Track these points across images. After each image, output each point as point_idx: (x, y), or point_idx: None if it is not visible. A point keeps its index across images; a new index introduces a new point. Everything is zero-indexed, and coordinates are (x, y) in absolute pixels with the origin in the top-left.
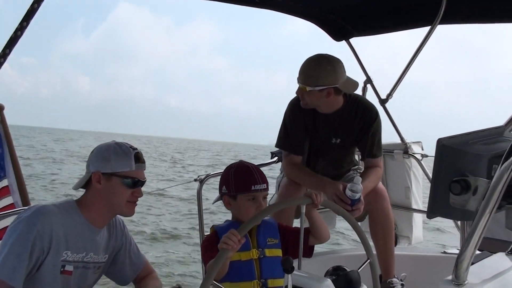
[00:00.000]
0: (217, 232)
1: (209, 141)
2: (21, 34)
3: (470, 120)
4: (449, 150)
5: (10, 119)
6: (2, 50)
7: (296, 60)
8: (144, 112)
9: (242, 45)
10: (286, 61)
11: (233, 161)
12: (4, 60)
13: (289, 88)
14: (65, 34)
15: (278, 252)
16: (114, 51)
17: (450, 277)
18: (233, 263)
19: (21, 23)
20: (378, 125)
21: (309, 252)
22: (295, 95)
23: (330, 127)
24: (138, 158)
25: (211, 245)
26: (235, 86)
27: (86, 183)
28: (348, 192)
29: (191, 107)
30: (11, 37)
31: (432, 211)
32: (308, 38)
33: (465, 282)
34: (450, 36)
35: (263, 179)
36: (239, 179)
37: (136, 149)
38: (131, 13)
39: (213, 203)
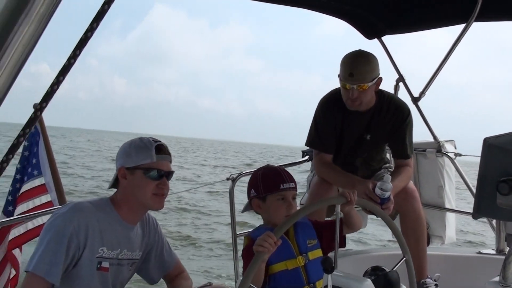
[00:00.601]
0: (254, 241)
1: (243, 143)
2: (91, 35)
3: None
4: (496, 149)
5: (52, 120)
6: (73, 51)
7: (329, 61)
8: (179, 114)
9: (276, 47)
10: (319, 62)
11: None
12: (74, 61)
13: (323, 89)
14: (103, 36)
15: (319, 253)
16: (150, 53)
17: (497, 278)
18: (281, 273)
19: (91, 24)
20: (410, 123)
21: (343, 242)
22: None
23: (362, 124)
24: (160, 150)
25: (251, 255)
26: (270, 88)
27: (117, 181)
28: (377, 191)
29: (225, 109)
30: (81, 39)
31: (478, 212)
32: (341, 38)
33: None
34: (484, 34)
35: (291, 178)
36: (267, 179)
37: (159, 141)
38: (166, 15)
39: (242, 212)
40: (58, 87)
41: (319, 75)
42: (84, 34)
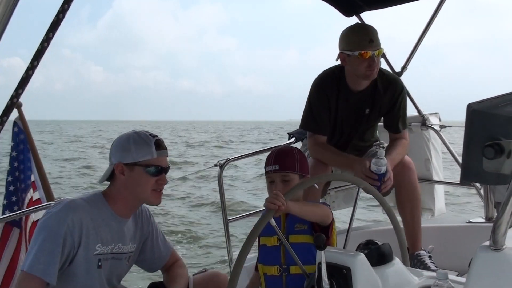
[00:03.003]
0: None
1: (226, 122)
2: (63, 17)
3: (486, 81)
4: (480, 114)
5: (29, 114)
6: (45, 34)
7: (305, 33)
8: (159, 98)
9: (250, 23)
10: (295, 35)
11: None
12: (48, 44)
13: (300, 62)
14: (72, 25)
15: (306, 238)
16: (124, 39)
17: (487, 243)
18: (262, 247)
19: (62, 6)
20: (404, 97)
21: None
22: (314, 69)
23: (363, 99)
24: (159, 145)
25: None
26: (247, 65)
27: (110, 175)
28: (373, 167)
29: (204, 90)
30: (53, 21)
31: (465, 177)
32: (313, 8)
33: (503, 247)
34: None
35: (277, 160)
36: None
37: (156, 136)
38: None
39: None
40: (33, 72)
41: (294, 49)
42: (56, 16)
